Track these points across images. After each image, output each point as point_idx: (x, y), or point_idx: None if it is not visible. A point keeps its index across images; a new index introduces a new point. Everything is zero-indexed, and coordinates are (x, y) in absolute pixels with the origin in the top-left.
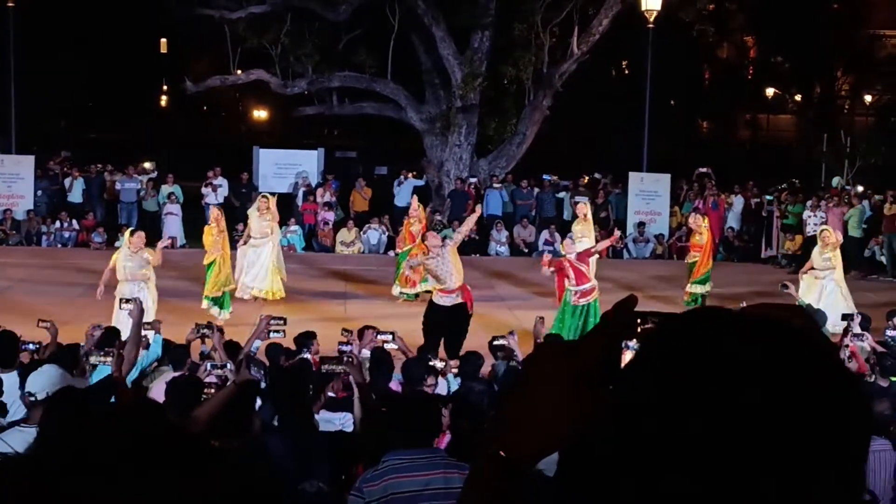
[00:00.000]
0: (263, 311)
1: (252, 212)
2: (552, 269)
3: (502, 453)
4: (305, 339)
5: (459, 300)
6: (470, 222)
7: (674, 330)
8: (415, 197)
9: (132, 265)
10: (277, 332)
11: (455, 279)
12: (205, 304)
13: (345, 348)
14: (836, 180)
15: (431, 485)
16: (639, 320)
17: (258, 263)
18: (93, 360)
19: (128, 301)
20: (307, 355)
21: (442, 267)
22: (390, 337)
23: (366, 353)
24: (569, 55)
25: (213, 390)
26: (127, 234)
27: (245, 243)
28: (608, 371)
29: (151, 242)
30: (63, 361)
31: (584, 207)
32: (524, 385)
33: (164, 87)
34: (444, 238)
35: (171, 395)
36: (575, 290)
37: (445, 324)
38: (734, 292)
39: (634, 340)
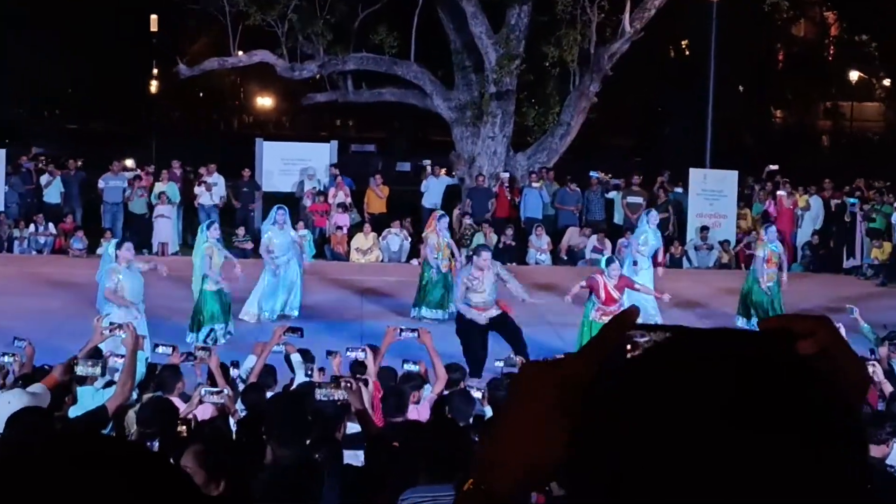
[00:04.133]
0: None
1: (270, 225)
2: (585, 285)
3: (482, 487)
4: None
5: (497, 311)
6: (519, 293)
7: (650, 368)
8: (434, 214)
9: (134, 283)
10: (279, 347)
11: (495, 295)
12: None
13: (357, 355)
14: None
15: None
16: (629, 346)
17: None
18: (79, 369)
19: (118, 327)
20: (306, 375)
21: (485, 285)
22: (364, 354)
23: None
24: (620, 33)
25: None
26: (111, 246)
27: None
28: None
29: (138, 250)
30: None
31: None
32: (505, 410)
33: (155, 71)
34: (476, 249)
35: (140, 418)
36: (598, 306)
37: (485, 339)
38: (810, 309)
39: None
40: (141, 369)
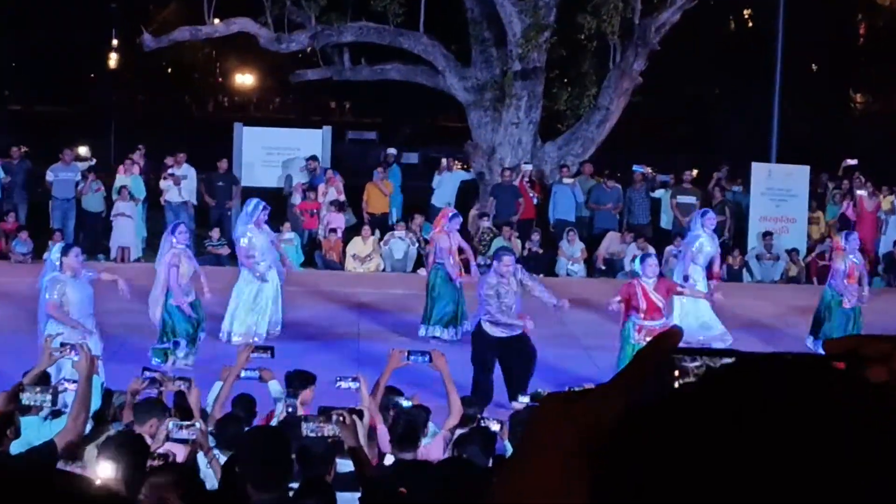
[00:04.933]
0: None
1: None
2: (619, 299)
3: None
4: (299, 382)
5: (519, 331)
6: (548, 298)
7: (710, 400)
8: (445, 212)
9: (83, 297)
10: (251, 372)
11: (517, 307)
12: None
13: (347, 385)
14: None
15: None
16: (676, 371)
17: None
18: (25, 398)
19: (69, 347)
20: (289, 407)
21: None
22: (356, 384)
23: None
24: (669, 2)
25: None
26: (56, 250)
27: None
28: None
29: (94, 255)
30: None
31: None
32: (519, 454)
33: (114, 43)
34: (497, 253)
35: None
36: (639, 324)
37: (499, 360)
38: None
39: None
40: (96, 397)
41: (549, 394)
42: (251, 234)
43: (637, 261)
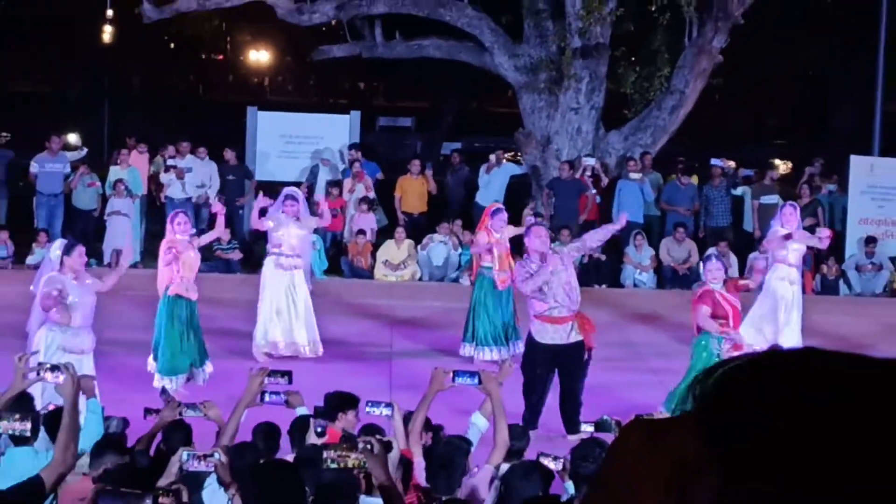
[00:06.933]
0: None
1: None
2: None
3: None
4: (339, 403)
5: (576, 336)
6: (606, 231)
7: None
8: (489, 209)
9: (85, 302)
10: (276, 396)
11: (572, 300)
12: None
13: (372, 410)
14: None
15: None
16: None
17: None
18: (1, 426)
19: (53, 369)
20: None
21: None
22: (389, 410)
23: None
24: None
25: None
26: (54, 250)
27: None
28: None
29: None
30: None
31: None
32: (599, 491)
33: (109, 13)
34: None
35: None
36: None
37: (551, 375)
38: None
39: None
40: (96, 425)
41: (636, 420)
42: (274, 221)
43: (703, 264)
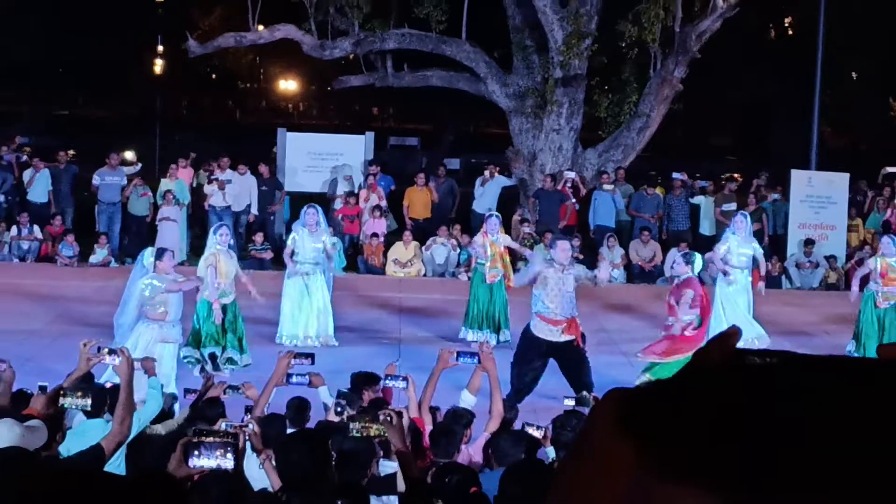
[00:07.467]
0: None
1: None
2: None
3: None
4: (364, 381)
5: (567, 337)
6: (605, 272)
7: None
8: (490, 221)
9: (174, 298)
10: (301, 378)
11: (566, 308)
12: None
13: (391, 383)
14: None
15: None
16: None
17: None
18: (66, 402)
19: (111, 352)
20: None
21: (561, 287)
22: (405, 384)
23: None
24: (710, 8)
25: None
26: (148, 255)
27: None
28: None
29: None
30: (19, 414)
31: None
32: (567, 467)
33: (160, 49)
34: (554, 238)
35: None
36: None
37: (543, 364)
38: None
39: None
40: (157, 400)
41: (611, 392)
42: (297, 235)
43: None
